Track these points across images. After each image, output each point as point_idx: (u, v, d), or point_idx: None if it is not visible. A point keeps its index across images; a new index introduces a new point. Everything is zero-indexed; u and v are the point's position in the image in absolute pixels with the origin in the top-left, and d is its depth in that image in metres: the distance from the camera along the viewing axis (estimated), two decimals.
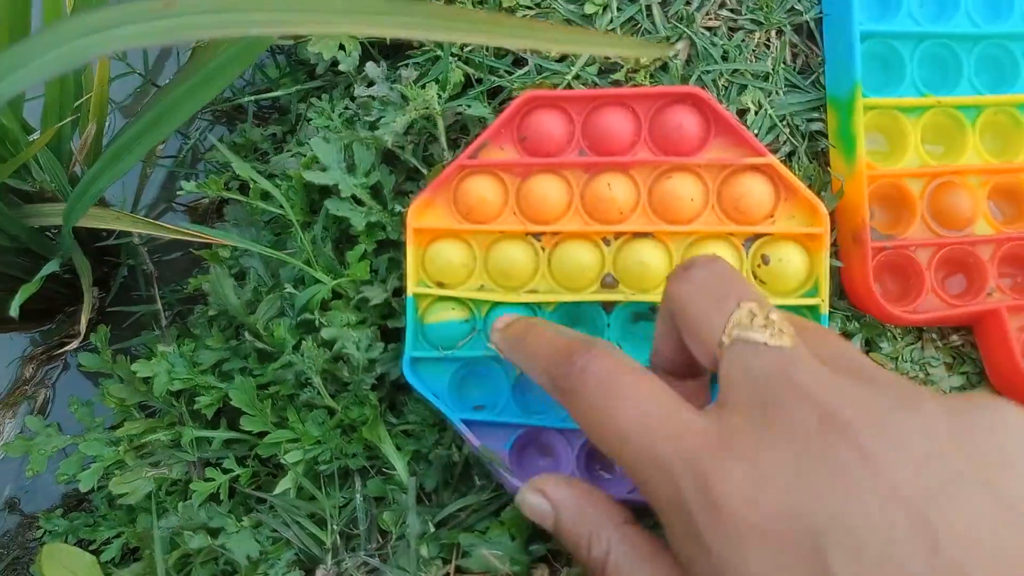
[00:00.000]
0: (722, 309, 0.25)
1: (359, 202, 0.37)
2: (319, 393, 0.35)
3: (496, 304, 0.35)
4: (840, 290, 0.37)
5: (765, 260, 0.34)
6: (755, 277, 0.34)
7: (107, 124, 0.52)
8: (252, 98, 0.48)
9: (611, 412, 0.25)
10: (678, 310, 0.26)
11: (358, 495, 0.35)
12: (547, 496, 0.28)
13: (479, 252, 0.35)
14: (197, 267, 0.51)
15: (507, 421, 0.34)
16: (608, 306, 0.34)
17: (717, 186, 0.34)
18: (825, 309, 0.33)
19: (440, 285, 0.35)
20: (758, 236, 0.34)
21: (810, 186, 0.37)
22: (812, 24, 0.38)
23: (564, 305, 0.34)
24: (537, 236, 0.35)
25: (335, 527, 0.35)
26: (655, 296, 0.34)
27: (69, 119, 0.39)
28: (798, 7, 0.38)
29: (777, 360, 0.23)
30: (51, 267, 0.38)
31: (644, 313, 0.35)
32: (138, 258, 0.49)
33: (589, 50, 0.22)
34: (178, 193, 0.46)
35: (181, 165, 0.52)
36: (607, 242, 0.35)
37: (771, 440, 0.22)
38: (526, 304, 0.35)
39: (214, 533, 0.36)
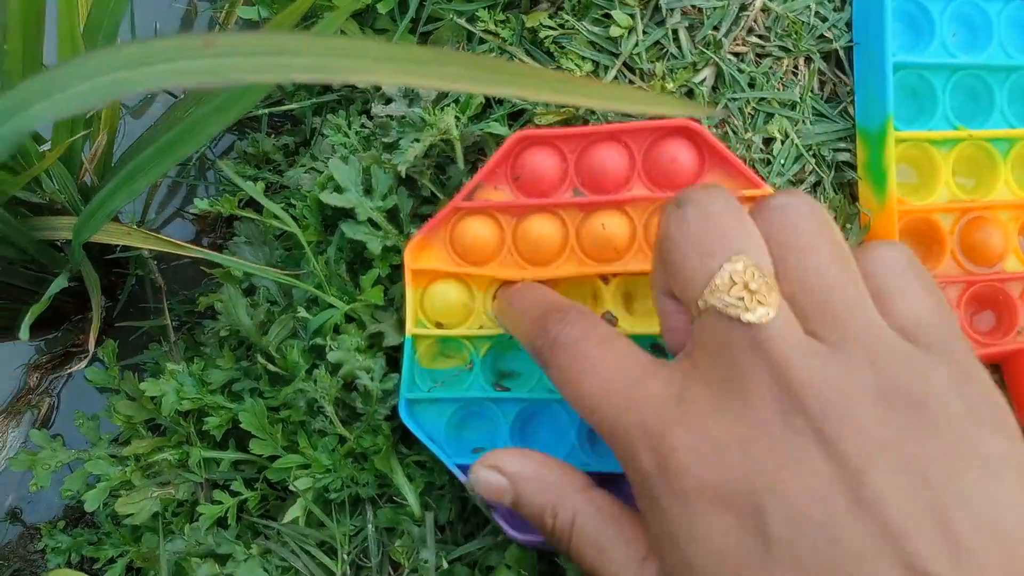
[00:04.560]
0: (704, 267, 0.24)
1: (376, 226, 0.36)
2: (331, 422, 0.34)
3: (496, 342, 0.34)
4: None
5: None
6: None
7: (119, 130, 0.51)
8: (267, 111, 0.47)
9: (578, 383, 0.26)
10: (665, 253, 0.25)
11: (370, 525, 0.35)
12: (503, 471, 0.28)
13: (478, 292, 0.34)
14: (205, 277, 0.50)
15: None
16: None
17: None
18: None
19: (439, 326, 0.35)
20: None
21: (835, 218, 0.36)
22: (842, 53, 0.37)
23: None
24: None
25: (345, 557, 0.34)
26: (654, 328, 0.33)
27: (81, 134, 0.38)
28: (828, 35, 0.37)
29: (747, 337, 0.23)
30: (59, 283, 0.37)
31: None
32: (147, 269, 0.48)
33: (626, 108, 0.22)
34: (189, 210, 0.45)
35: (191, 175, 0.51)
36: (605, 280, 0.34)
37: (729, 416, 0.23)
38: None
39: (222, 560, 0.35)
